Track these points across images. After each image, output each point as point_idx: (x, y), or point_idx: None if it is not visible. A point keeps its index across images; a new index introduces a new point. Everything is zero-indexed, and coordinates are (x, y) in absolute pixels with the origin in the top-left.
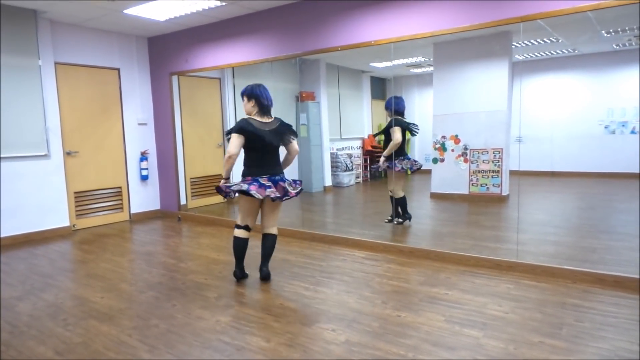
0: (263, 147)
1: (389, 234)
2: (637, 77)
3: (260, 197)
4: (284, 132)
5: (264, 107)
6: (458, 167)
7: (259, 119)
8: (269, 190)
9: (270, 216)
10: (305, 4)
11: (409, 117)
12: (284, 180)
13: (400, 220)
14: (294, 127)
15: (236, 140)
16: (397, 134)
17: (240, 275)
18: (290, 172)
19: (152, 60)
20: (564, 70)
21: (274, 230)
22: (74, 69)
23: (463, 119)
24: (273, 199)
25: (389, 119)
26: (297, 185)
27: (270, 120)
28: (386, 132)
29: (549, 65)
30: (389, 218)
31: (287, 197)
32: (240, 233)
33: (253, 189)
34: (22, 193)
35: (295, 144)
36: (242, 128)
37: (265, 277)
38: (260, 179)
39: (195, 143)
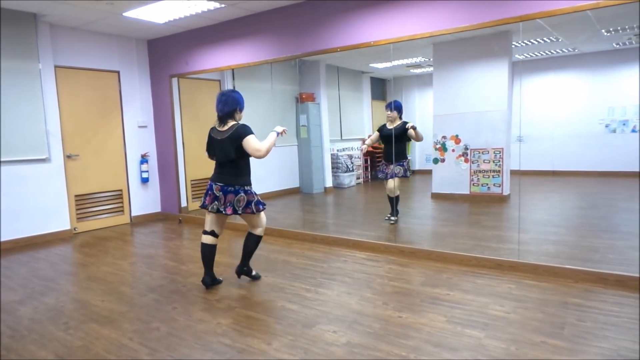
0: (217, 156)
1: (390, 235)
2: (637, 76)
3: (209, 209)
4: (232, 137)
5: (217, 115)
6: (459, 167)
7: (217, 127)
8: (216, 202)
9: (247, 221)
10: (304, 5)
11: (409, 118)
12: (236, 192)
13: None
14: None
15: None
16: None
17: (210, 282)
18: (291, 173)
19: (152, 63)
20: (564, 70)
21: (256, 231)
22: (74, 72)
23: (463, 119)
24: (217, 212)
25: (396, 121)
26: (248, 209)
27: (225, 128)
28: (395, 134)
29: (549, 64)
30: (392, 218)
31: (235, 213)
32: (205, 239)
33: (207, 201)
34: (22, 197)
35: (247, 142)
36: (208, 138)
37: (237, 273)
38: (214, 187)
39: (196, 145)
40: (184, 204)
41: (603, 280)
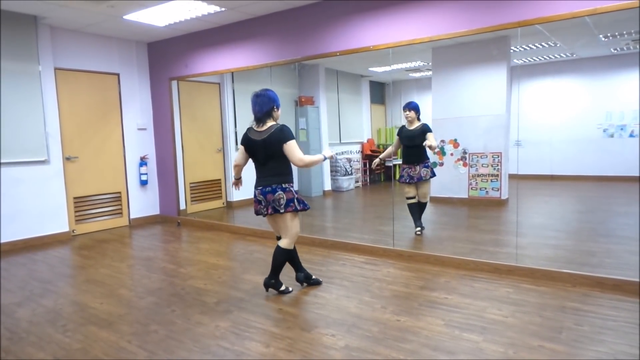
0: (257, 157)
1: (388, 238)
2: (635, 81)
3: (256, 213)
4: (272, 139)
5: (255, 116)
6: (457, 171)
7: (255, 127)
8: (259, 206)
9: (280, 228)
10: (304, 9)
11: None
12: (274, 191)
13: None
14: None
15: (238, 149)
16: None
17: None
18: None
19: (151, 66)
20: (562, 74)
21: (281, 243)
22: (73, 75)
23: (462, 123)
24: (257, 214)
25: (415, 122)
26: (289, 208)
27: (264, 128)
28: (417, 135)
29: (547, 69)
30: (418, 229)
31: (277, 212)
32: (278, 241)
33: (255, 208)
34: (21, 198)
35: (289, 148)
36: (242, 138)
37: (265, 285)
38: (256, 192)
39: (195, 148)
40: (182, 206)
41: (600, 285)
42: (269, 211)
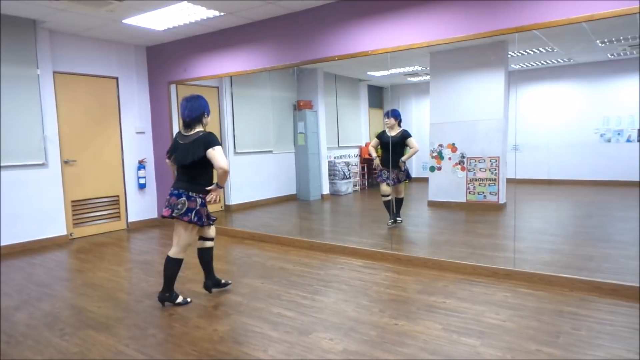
0: (177, 159)
1: (386, 242)
2: (632, 86)
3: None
4: (197, 143)
5: (183, 121)
6: (455, 175)
7: (183, 132)
8: (165, 206)
9: (175, 233)
10: (303, 14)
11: (406, 126)
12: (179, 196)
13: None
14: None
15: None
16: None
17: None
18: (287, 180)
19: (150, 69)
20: (560, 80)
21: (170, 252)
22: (72, 78)
23: (460, 127)
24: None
25: (395, 128)
26: (185, 217)
27: (191, 133)
28: (397, 142)
29: (544, 74)
30: (393, 220)
31: (171, 216)
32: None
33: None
34: (19, 202)
35: (214, 153)
36: (173, 140)
37: (159, 299)
38: (169, 194)
39: None
40: None
41: (598, 289)
42: (167, 213)
